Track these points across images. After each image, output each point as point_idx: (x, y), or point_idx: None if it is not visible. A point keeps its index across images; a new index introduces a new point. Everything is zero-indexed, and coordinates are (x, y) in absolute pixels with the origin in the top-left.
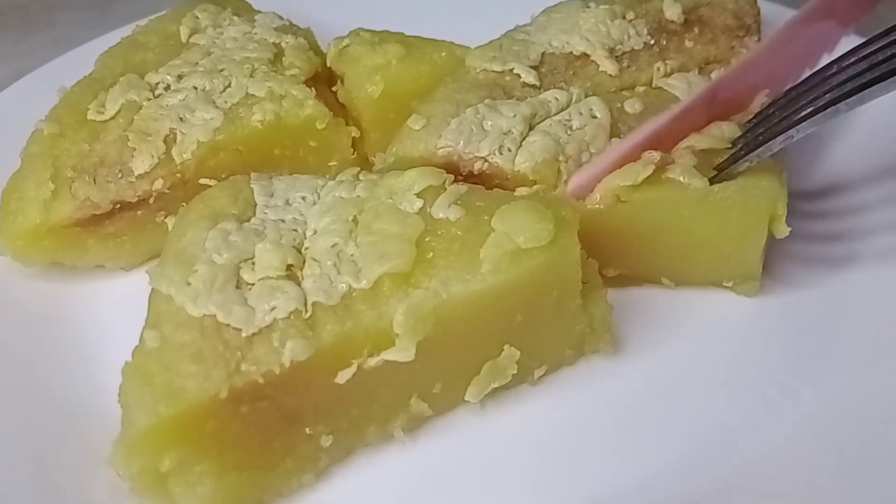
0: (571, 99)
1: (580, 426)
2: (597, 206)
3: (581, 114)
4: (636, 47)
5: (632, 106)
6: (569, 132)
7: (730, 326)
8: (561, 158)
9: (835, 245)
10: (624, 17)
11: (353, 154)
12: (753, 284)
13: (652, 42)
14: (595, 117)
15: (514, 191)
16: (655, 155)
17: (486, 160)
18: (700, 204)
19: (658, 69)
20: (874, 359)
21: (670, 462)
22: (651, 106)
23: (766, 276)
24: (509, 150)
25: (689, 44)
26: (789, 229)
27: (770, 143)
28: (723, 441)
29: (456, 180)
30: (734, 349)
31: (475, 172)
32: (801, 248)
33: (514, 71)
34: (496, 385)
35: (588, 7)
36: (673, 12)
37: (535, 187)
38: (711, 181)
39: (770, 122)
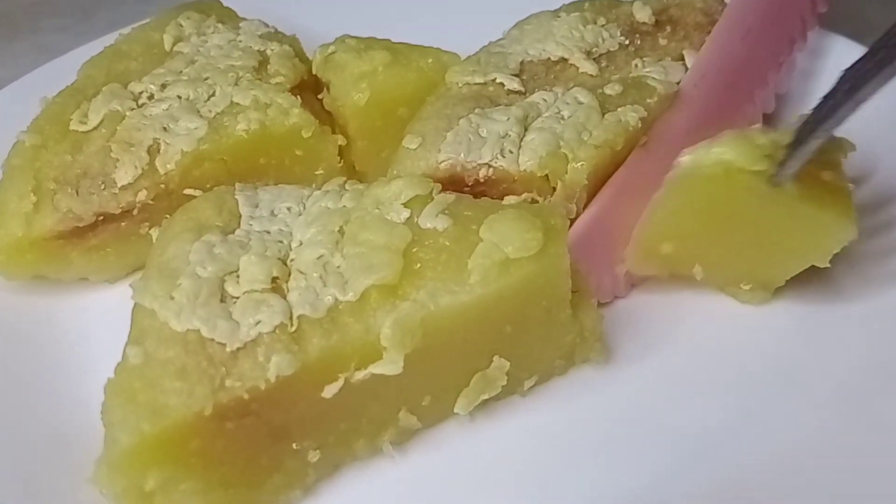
0: (557, 97)
1: (571, 437)
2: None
3: (568, 103)
4: (612, 48)
5: (612, 89)
6: (562, 121)
7: (721, 335)
8: (562, 144)
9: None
10: (595, 23)
11: (339, 162)
12: (765, 295)
13: (627, 42)
14: (581, 102)
15: (521, 193)
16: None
17: (490, 165)
18: (782, 206)
19: (636, 66)
20: (862, 374)
21: (662, 472)
22: (630, 87)
23: None
24: (511, 152)
25: (663, 42)
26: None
27: (842, 108)
28: (714, 451)
29: (462, 191)
30: (726, 358)
31: (481, 180)
32: None
33: (497, 80)
34: (486, 397)
35: (559, 16)
36: (643, 15)
37: (523, 196)
38: (781, 164)
39: (835, 95)
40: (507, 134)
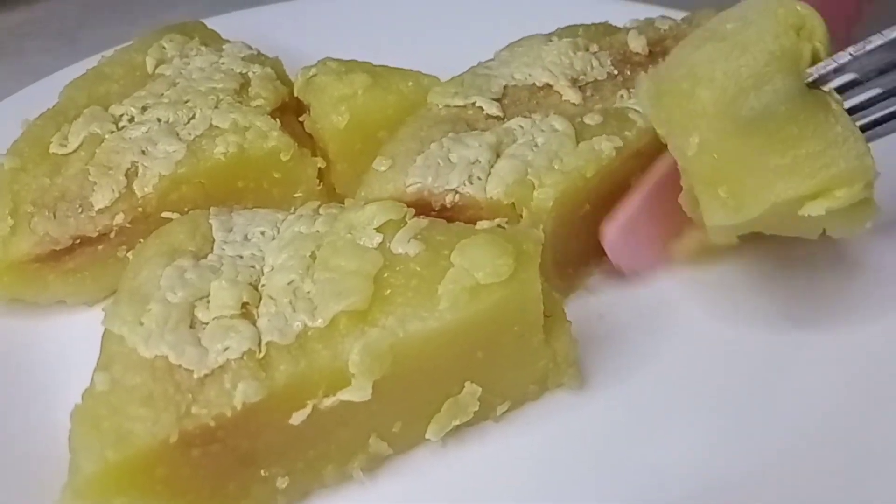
0: (534, 123)
1: (545, 463)
2: None
3: (543, 131)
4: (600, 77)
5: (592, 119)
6: (534, 149)
7: (697, 359)
8: (530, 172)
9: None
10: (587, 50)
11: (319, 185)
12: (733, 216)
13: (616, 73)
14: (557, 130)
15: (488, 220)
16: None
17: (457, 192)
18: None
19: (621, 96)
20: (837, 403)
21: (636, 498)
22: (610, 118)
23: (740, 309)
24: (479, 179)
25: None
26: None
27: None
28: (688, 476)
29: (429, 216)
30: (700, 384)
31: (447, 206)
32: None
33: (477, 104)
34: (458, 422)
35: (551, 41)
36: (637, 44)
37: (496, 220)
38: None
39: None
40: (476, 160)
